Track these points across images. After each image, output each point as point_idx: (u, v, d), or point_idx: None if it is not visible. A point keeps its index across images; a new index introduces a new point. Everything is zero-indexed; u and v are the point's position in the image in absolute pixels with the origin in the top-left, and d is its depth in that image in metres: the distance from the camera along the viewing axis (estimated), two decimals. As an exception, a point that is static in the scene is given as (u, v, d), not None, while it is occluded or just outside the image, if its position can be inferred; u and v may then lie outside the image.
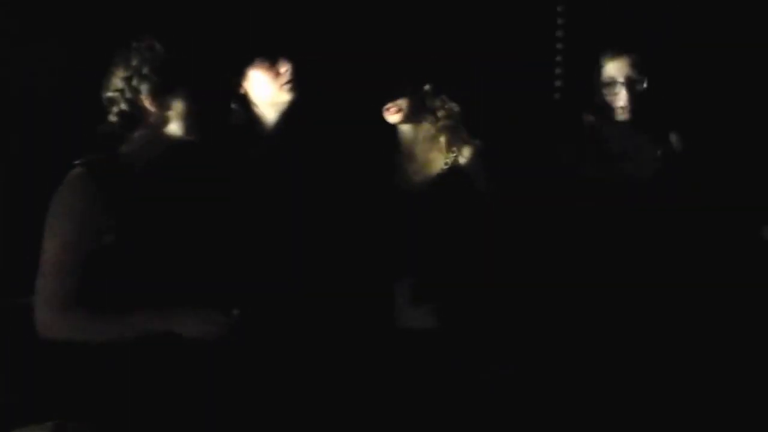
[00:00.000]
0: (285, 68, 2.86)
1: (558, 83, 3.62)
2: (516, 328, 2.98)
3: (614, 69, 3.15)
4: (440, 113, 2.99)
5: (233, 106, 2.90)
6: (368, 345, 2.84)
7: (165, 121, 2.58)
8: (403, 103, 2.95)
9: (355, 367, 2.80)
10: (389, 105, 2.96)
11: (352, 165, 2.97)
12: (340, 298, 2.82)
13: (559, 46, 3.65)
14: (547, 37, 3.64)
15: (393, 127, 3.03)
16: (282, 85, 2.87)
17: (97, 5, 3.07)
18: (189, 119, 2.58)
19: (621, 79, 3.13)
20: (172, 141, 2.61)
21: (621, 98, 3.14)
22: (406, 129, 3.02)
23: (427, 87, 2.97)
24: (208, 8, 3.09)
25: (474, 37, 3.39)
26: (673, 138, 3.20)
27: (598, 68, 3.19)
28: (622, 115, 3.16)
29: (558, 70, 3.63)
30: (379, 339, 2.84)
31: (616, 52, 3.15)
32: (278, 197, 2.86)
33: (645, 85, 3.14)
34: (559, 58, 3.65)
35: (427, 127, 3.01)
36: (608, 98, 3.17)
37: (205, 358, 2.53)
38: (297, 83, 2.87)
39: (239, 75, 2.90)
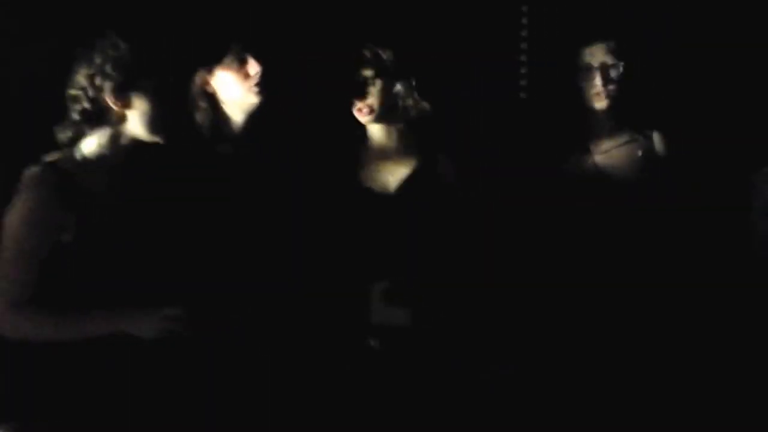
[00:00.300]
0: (255, 70, 2.85)
1: (523, 82, 3.62)
2: (498, 328, 2.99)
3: (589, 55, 3.15)
4: (412, 112, 2.98)
5: (201, 104, 2.89)
6: (343, 344, 2.85)
7: (127, 120, 2.57)
8: (374, 102, 2.94)
9: (329, 368, 2.83)
10: (360, 105, 2.95)
11: (321, 166, 2.96)
12: (313, 297, 2.82)
13: (523, 45, 3.65)
14: (512, 37, 3.64)
15: (363, 127, 3.02)
16: (251, 87, 2.85)
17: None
18: (151, 118, 2.57)
19: (596, 65, 3.13)
20: (134, 141, 2.60)
21: (596, 85, 3.14)
22: (377, 129, 3.01)
23: (398, 86, 2.96)
24: (175, 6, 3.08)
25: (438, 37, 3.39)
26: (656, 138, 3.20)
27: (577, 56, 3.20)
28: (598, 103, 3.15)
29: (523, 70, 3.63)
30: (354, 338, 2.85)
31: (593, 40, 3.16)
32: (246, 197, 2.84)
33: (621, 71, 3.14)
34: (524, 58, 3.64)
35: (399, 127, 3.00)
36: (584, 85, 3.16)
37: (163, 357, 2.54)
38: (266, 86, 2.86)
39: (207, 74, 2.88)
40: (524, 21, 3.66)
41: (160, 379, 2.57)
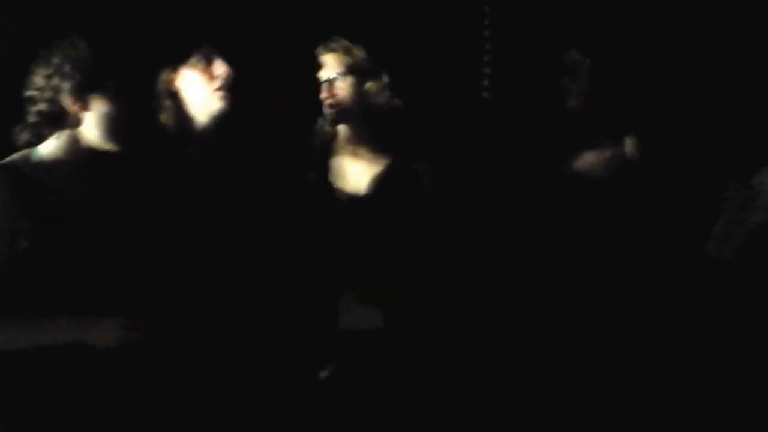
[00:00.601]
0: (221, 71, 2.81)
1: (486, 83, 3.62)
2: (472, 328, 2.98)
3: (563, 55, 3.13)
4: (384, 111, 2.95)
5: (165, 104, 2.83)
6: (310, 347, 2.84)
7: (86, 123, 2.51)
8: (343, 98, 2.92)
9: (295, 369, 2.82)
10: (330, 101, 2.92)
11: (291, 167, 2.95)
12: (282, 300, 2.80)
13: (487, 46, 3.65)
14: (475, 36, 3.64)
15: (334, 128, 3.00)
16: (216, 89, 2.81)
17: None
18: (111, 121, 2.52)
19: (564, 64, 3.12)
20: (92, 144, 2.54)
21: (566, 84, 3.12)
22: (348, 128, 2.98)
23: (369, 84, 2.93)
24: (138, 5, 3.04)
25: (401, 36, 3.38)
26: (629, 142, 3.16)
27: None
28: (569, 103, 3.14)
29: (486, 70, 3.63)
30: (322, 340, 2.84)
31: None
32: (213, 200, 2.79)
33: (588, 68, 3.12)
34: (487, 58, 3.64)
35: (370, 126, 2.97)
36: (566, 84, 3.14)
37: (120, 364, 2.50)
38: (232, 89, 2.82)
39: (172, 72, 2.83)
40: (486, 21, 3.66)
41: (122, 387, 2.52)
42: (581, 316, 3.01)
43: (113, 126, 2.53)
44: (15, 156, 2.51)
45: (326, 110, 2.96)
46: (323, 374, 2.86)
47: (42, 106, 2.49)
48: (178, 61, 2.81)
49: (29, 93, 2.51)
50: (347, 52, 2.95)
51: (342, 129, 3.00)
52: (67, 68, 2.47)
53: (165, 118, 2.82)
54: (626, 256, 3.02)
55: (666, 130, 3.17)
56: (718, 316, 3.00)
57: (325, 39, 3.00)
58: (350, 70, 2.94)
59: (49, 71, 2.48)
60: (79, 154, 2.54)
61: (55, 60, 2.49)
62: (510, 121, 3.36)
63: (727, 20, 3.48)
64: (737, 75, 3.43)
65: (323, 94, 2.95)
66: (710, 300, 2.99)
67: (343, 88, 2.93)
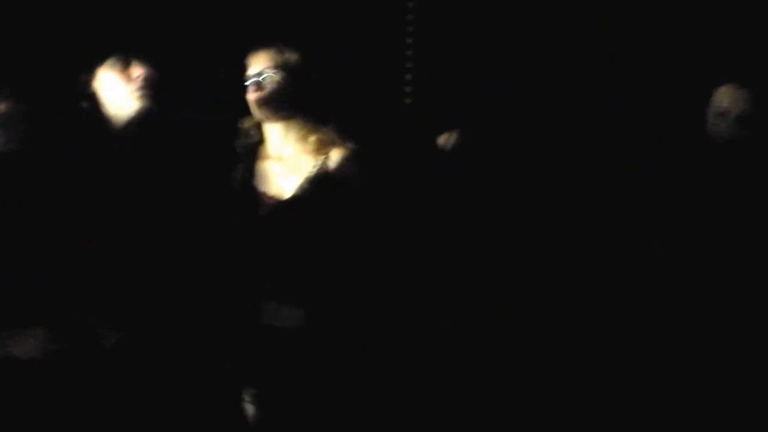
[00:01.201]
0: (138, 73, 2.81)
1: (408, 89, 3.66)
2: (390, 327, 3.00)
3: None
4: (310, 113, 2.96)
5: (82, 105, 2.83)
6: (235, 344, 2.84)
7: None
8: (269, 93, 2.90)
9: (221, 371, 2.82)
10: (256, 95, 2.90)
11: (214, 169, 2.94)
12: (204, 301, 2.81)
13: (409, 52, 3.68)
14: (397, 42, 3.67)
15: (258, 130, 3.00)
16: (133, 90, 2.81)
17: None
18: (17, 121, 2.50)
19: None
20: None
21: None
22: (274, 128, 2.97)
23: (297, 86, 2.94)
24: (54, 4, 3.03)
25: (324, 41, 3.40)
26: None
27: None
28: None
29: (408, 76, 3.66)
30: (245, 339, 2.84)
31: None
32: (132, 201, 2.80)
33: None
34: (410, 65, 3.68)
35: (297, 128, 2.97)
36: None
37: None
38: (150, 91, 2.82)
39: (90, 74, 2.83)
40: (410, 29, 3.70)
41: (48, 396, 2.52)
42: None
43: (19, 127, 2.51)
44: None
45: (253, 109, 2.95)
46: (247, 371, 2.87)
47: None
48: (96, 62, 2.81)
49: None
50: (277, 50, 2.95)
51: (267, 130, 3.00)
52: None
53: (82, 119, 2.82)
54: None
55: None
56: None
57: (248, 38, 3.00)
58: (280, 66, 2.92)
59: None
60: None
61: None
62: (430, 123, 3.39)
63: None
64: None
65: (250, 93, 2.92)
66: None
67: (272, 84, 2.91)
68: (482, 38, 3.43)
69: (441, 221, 3.15)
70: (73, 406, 2.54)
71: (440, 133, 3.30)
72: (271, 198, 2.94)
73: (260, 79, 2.90)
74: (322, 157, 2.95)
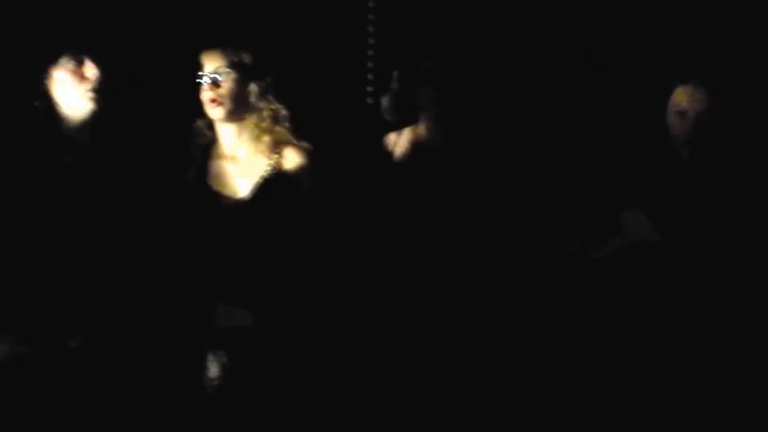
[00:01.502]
0: (92, 72, 2.78)
1: (370, 88, 3.65)
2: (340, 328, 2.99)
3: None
4: (265, 113, 2.95)
5: (35, 104, 2.80)
6: (186, 345, 2.83)
7: None
8: (225, 95, 2.89)
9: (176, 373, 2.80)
10: (212, 95, 2.89)
11: (167, 170, 2.92)
12: (157, 303, 2.80)
13: (370, 52, 3.68)
14: (359, 42, 3.66)
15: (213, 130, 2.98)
16: (86, 90, 2.79)
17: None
18: None
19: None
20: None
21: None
22: (229, 129, 2.96)
23: (252, 85, 2.93)
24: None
25: (285, 40, 3.40)
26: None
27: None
28: None
29: (370, 76, 3.66)
30: (197, 340, 2.83)
31: None
32: (84, 205, 2.77)
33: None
34: (371, 65, 3.67)
35: (251, 128, 2.95)
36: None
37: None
38: (103, 91, 2.79)
39: (41, 73, 2.80)
40: (371, 29, 3.69)
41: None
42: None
43: None
44: None
45: (208, 109, 2.93)
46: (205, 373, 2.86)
47: None
48: (48, 62, 2.79)
49: None
50: (232, 50, 2.94)
51: (220, 130, 2.99)
52: None
53: (36, 119, 2.79)
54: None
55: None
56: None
57: (203, 37, 2.99)
58: (235, 66, 2.91)
59: None
60: None
61: None
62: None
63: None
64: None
65: (205, 93, 2.91)
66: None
67: (227, 84, 2.90)
68: (444, 36, 3.42)
69: (401, 220, 3.14)
70: (39, 408, 2.54)
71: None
72: (226, 198, 2.93)
73: (214, 77, 2.89)
74: (276, 156, 2.94)
